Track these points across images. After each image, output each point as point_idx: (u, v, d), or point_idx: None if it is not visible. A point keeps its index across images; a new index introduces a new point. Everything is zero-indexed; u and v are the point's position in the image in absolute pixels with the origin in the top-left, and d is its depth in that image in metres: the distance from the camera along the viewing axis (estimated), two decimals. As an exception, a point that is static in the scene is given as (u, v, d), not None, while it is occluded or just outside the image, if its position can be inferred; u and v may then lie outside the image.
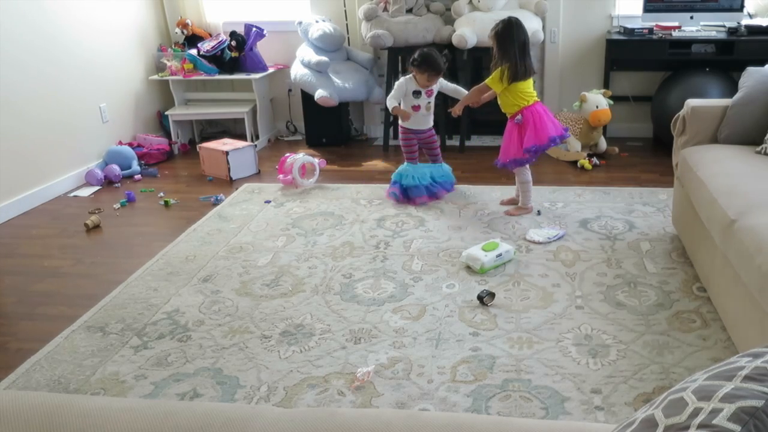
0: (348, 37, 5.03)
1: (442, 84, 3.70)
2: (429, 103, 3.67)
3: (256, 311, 2.62)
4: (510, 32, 3.29)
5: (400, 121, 3.80)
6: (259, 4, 5.20)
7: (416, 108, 3.65)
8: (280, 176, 4.09)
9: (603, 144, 4.43)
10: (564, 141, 3.74)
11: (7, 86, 3.77)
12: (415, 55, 3.57)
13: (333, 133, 4.98)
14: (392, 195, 3.74)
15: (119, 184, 4.35)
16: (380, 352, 2.31)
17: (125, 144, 4.70)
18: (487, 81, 3.41)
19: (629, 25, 4.43)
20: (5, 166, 3.77)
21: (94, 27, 4.50)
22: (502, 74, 3.32)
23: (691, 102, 2.94)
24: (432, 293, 2.70)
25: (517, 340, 2.34)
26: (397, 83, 3.67)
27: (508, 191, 3.83)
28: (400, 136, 3.85)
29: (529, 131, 3.36)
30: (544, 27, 4.55)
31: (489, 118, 5.07)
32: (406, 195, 3.70)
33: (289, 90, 5.21)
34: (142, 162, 4.64)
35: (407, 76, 3.64)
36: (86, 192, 4.22)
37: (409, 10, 4.69)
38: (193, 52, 4.99)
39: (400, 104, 3.67)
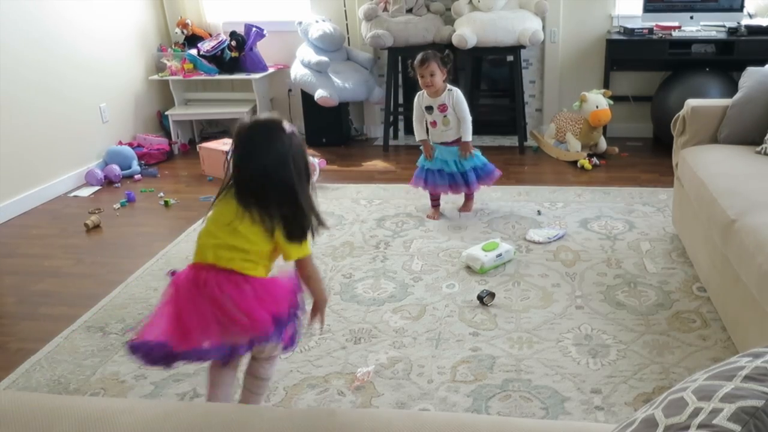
0: (348, 37, 5.03)
1: (456, 101, 3.34)
2: (445, 117, 3.36)
3: (256, 311, 2.62)
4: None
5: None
6: (259, 4, 5.20)
7: (433, 124, 3.40)
8: (280, 176, 4.08)
9: (603, 144, 4.43)
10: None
11: (6, 86, 3.77)
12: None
13: (333, 133, 4.98)
14: (416, 181, 3.49)
15: (119, 184, 4.34)
16: (380, 352, 2.31)
17: (125, 144, 4.70)
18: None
19: (629, 25, 4.42)
20: (5, 166, 3.77)
21: (94, 27, 4.50)
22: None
23: (691, 102, 2.94)
24: (432, 293, 2.70)
25: (517, 340, 2.34)
26: (414, 103, 3.43)
27: (508, 191, 3.83)
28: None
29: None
30: (544, 27, 4.55)
31: (489, 118, 5.10)
32: (426, 181, 3.47)
33: (289, 90, 5.20)
34: (142, 162, 4.64)
35: (419, 92, 3.40)
36: (86, 192, 4.22)
37: (409, 10, 4.69)
38: (193, 52, 4.99)
39: (427, 129, 3.45)
